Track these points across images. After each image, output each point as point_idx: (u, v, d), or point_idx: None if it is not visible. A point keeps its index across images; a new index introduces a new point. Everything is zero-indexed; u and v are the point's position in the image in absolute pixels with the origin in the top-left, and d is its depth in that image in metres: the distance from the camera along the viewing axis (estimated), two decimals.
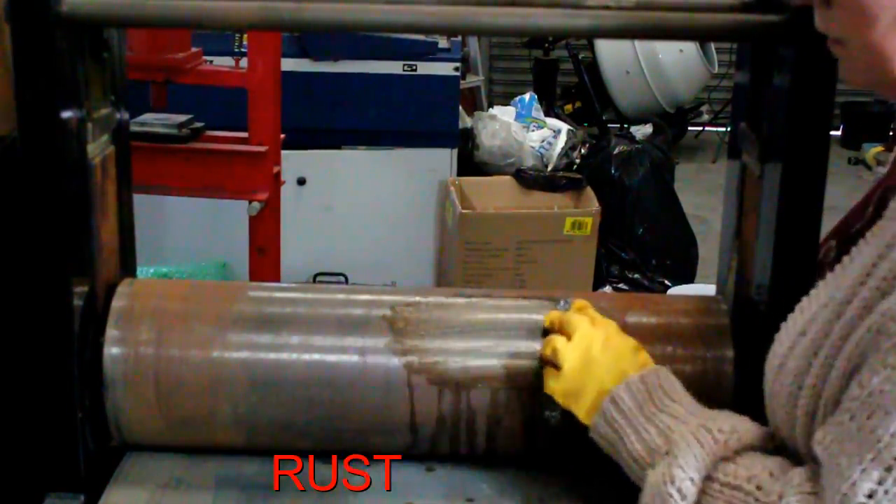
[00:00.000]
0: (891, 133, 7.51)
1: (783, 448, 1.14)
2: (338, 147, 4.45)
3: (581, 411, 1.30)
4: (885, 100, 7.71)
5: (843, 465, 0.97)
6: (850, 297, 1.03)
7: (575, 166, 4.83)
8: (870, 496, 0.95)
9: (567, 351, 1.33)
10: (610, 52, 7.11)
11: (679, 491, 1.12)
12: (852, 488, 0.96)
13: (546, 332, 1.42)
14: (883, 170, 1.25)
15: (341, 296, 1.56)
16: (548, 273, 4.17)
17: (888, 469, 0.94)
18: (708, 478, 1.12)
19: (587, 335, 1.34)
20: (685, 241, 4.77)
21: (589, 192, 4.41)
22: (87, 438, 1.44)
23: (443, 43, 4.50)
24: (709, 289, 1.73)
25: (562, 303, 1.46)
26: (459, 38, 4.89)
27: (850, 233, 1.25)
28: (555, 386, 1.34)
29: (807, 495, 1.02)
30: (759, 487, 1.08)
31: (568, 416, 1.33)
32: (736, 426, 1.17)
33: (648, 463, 1.19)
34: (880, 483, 0.94)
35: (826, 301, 1.08)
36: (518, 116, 5.17)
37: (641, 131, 5.54)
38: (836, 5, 1.00)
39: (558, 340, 1.35)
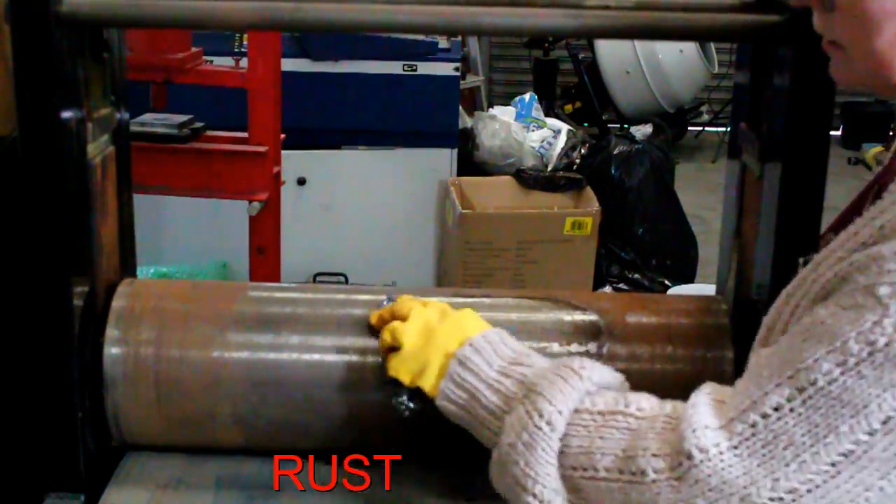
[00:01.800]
0: (891, 133, 7.50)
1: None
2: (338, 147, 4.45)
3: (428, 384, 1.28)
4: (885, 99, 7.72)
5: (763, 375, 1.00)
6: (827, 257, 1.05)
7: (575, 166, 4.83)
8: (776, 408, 0.97)
9: (405, 329, 1.32)
10: (610, 52, 7.11)
11: (549, 423, 1.11)
12: (763, 397, 0.98)
13: (374, 330, 1.41)
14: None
15: (341, 296, 1.56)
16: (548, 273, 4.16)
17: (800, 390, 0.96)
18: (576, 411, 1.12)
19: (422, 312, 1.33)
20: (685, 241, 4.77)
21: (589, 192, 4.41)
22: (87, 438, 1.44)
23: (443, 43, 4.49)
24: (709, 289, 1.73)
25: (384, 300, 1.44)
26: (459, 38, 4.89)
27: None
28: (398, 366, 1.31)
29: (715, 401, 1.04)
30: (640, 409, 1.09)
31: (421, 404, 1.31)
32: (595, 364, 1.18)
33: (505, 412, 1.18)
34: (789, 400, 0.97)
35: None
36: (518, 116, 5.17)
37: (641, 131, 5.54)
38: (839, 11, 1.00)
39: (395, 323, 1.34)
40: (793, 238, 1.36)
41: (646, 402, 1.11)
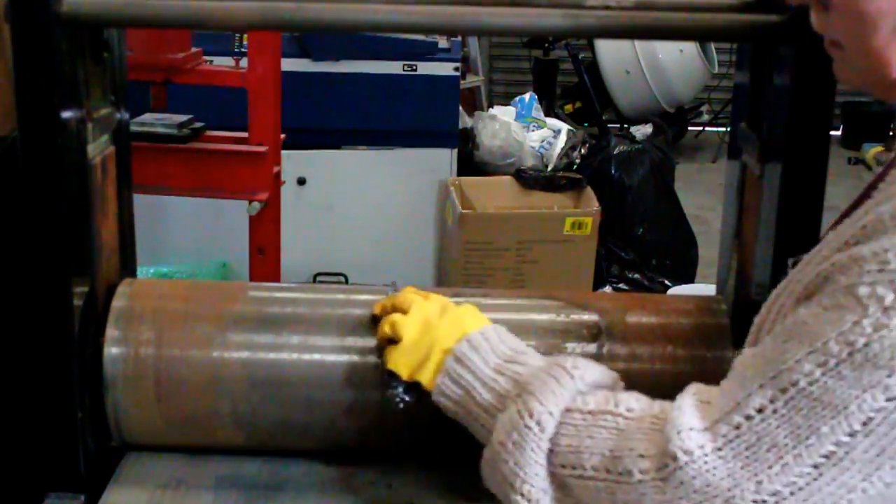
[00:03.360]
0: (891, 133, 7.50)
1: None
2: (338, 147, 4.45)
3: (426, 378, 1.29)
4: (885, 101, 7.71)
5: (746, 377, 1.00)
6: (813, 257, 1.06)
7: (575, 166, 4.83)
8: (759, 410, 0.98)
9: (405, 322, 1.33)
10: (610, 52, 7.11)
11: (538, 423, 1.12)
12: (746, 398, 0.99)
13: (377, 319, 1.41)
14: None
15: (341, 296, 1.56)
16: (548, 273, 4.16)
17: (782, 391, 0.96)
18: (567, 410, 1.12)
19: (423, 306, 1.34)
20: (685, 241, 4.77)
21: (589, 192, 4.41)
22: (87, 438, 1.44)
23: (443, 43, 4.49)
24: (709, 289, 1.73)
25: (389, 290, 1.45)
26: (459, 38, 4.88)
27: None
28: (398, 359, 1.32)
29: (700, 402, 1.04)
30: (629, 409, 1.10)
31: (415, 397, 1.32)
32: (588, 363, 1.18)
33: (499, 409, 1.19)
34: (772, 401, 0.97)
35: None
36: (518, 116, 5.16)
37: (641, 131, 5.53)
38: (834, 11, 1.00)
39: (395, 316, 1.35)
40: (793, 238, 1.36)
41: (635, 403, 1.11)
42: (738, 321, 1.49)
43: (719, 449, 0.99)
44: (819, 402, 0.94)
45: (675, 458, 1.00)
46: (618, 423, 1.09)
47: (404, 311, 1.35)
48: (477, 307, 1.40)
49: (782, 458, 0.96)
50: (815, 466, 0.95)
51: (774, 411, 0.97)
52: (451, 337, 1.28)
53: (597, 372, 1.18)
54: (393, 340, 1.34)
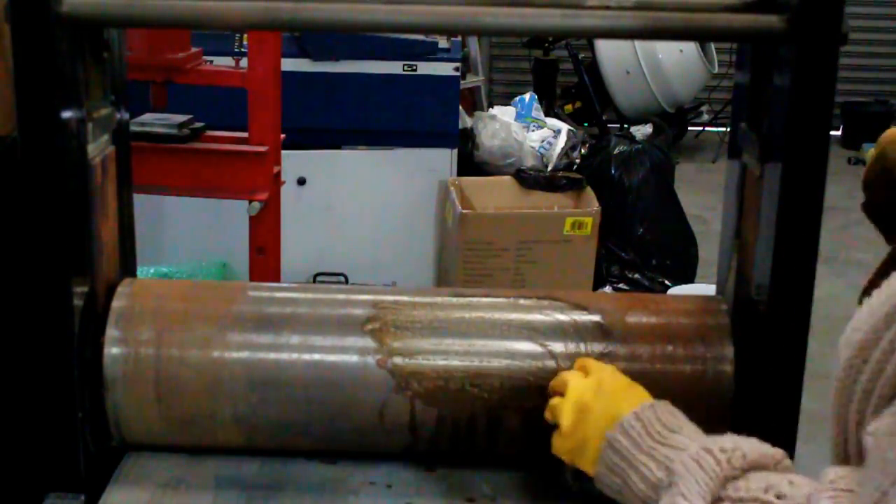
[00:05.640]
0: None
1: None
2: (338, 147, 4.45)
3: (587, 464, 1.28)
4: (885, 100, 7.72)
5: (889, 459, 0.86)
6: None
7: (575, 166, 4.83)
8: None
9: (562, 407, 1.32)
10: (610, 52, 7.11)
11: None
12: (893, 486, 0.85)
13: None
14: None
15: (341, 296, 1.56)
16: (548, 273, 4.17)
17: None
18: (717, 499, 1.08)
19: (578, 386, 1.32)
20: (685, 241, 4.77)
21: (589, 192, 4.41)
22: (87, 438, 1.44)
23: (443, 43, 4.50)
24: (709, 289, 1.73)
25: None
26: (459, 38, 4.89)
27: None
28: (558, 445, 1.32)
29: (842, 491, 0.94)
30: (779, 496, 1.03)
31: (582, 482, 1.31)
32: (739, 444, 1.12)
33: (655, 500, 1.16)
34: None
35: None
36: (518, 116, 5.16)
37: (641, 131, 5.54)
38: None
39: (554, 400, 1.34)
40: (793, 238, 1.36)
41: (788, 488, 1.04)
42: (738, 321, 1.49)
43: None
44: None
45: None
46: None
47: (562, 394, 1.34)
48: (475, 308, 1.38)
49: None
50: None
51: None
52: (606, 422, 1.26)
53: (751, 451, 1.12)
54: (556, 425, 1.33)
